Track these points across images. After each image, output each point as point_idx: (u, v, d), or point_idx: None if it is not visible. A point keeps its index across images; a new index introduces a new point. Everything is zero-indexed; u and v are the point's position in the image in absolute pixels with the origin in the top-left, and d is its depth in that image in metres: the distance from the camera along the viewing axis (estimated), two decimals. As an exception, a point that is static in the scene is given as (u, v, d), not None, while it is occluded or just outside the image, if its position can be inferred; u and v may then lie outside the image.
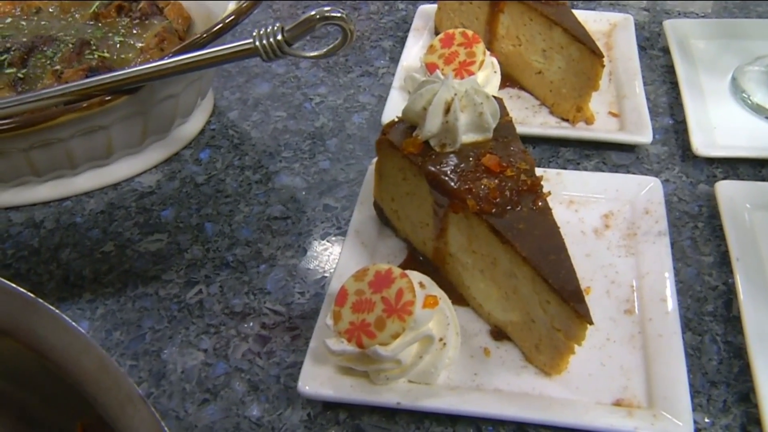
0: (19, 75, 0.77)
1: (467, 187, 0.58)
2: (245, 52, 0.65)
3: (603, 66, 0.77)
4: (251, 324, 0.66)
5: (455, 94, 0.61)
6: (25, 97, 0.71)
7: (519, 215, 0.58)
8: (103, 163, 0.78)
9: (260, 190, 0.78)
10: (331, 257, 0.71)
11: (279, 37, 0.63)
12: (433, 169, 0.61)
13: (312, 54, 0.65)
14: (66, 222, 0.77)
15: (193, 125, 0.85)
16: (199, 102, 0.83)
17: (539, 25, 0.81)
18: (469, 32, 0.82)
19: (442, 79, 0.63)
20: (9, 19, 0.87)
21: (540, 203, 0.58)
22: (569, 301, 0.53)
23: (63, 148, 0.73)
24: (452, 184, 0.59)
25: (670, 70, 0.90)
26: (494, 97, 0.67)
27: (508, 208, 0.58)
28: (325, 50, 0.65)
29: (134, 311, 0.68)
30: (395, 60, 0.95)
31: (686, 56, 0.90)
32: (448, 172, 0.60)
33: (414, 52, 0.93)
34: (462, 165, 0.60)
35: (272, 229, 0.74)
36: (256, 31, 0.63)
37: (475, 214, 0.58)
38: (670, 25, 0.95)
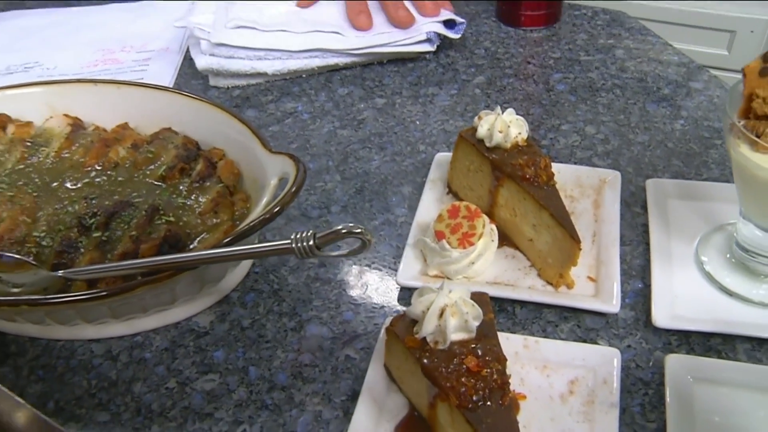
0: (103, 238, 0.95)
1: (451, 384, 0.75)
2: (283, 251, 0.83)
3: (580, 249, 0.92)
4: (283, 465, 0.84)
5: (446, 304, 0.78)
6: (111, 266, 0.90)
7: (488, 410, 0.74)
8: (168, 308, 0.97)
9: (294, 337, 0.96)
10: (349, 406, 0.88)
11: (311, 243, 0.80)
12: (427, 363, 0.78)
13: (335, 254, 0.84)
14: (137, 357, 0.96)
15: (240, 270, 1.03)
16: (247, 251, 1.01)
17: (531, 205, 0.97)
18: (472, 206, 0.99)
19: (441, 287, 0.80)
20: (93, 173, 1.06)
21: (507, 402, 0.75)
22: (522, 490, 0.70)
23: (138, 302, 0.92)
24: (441, 380, 0.76)
25: (648, 230, 1.04)
26: (480, 293, 0.84)
27: (480, 403, 0.75)
28: (347, 252, 0.83)
29: (192, 446, 0.87)
30: (413, 208, 1.11)
31: (662, 218, 1.04)
32: (439, 368, 0.77)
33: (428, 206, 1.09)
34: (449, 363, 0.77)
35: (303, 376, 0.92)
36: (293, 234, 0.81)
37: (456, 406, 0.75)
38: (652, 185, 1.10)
